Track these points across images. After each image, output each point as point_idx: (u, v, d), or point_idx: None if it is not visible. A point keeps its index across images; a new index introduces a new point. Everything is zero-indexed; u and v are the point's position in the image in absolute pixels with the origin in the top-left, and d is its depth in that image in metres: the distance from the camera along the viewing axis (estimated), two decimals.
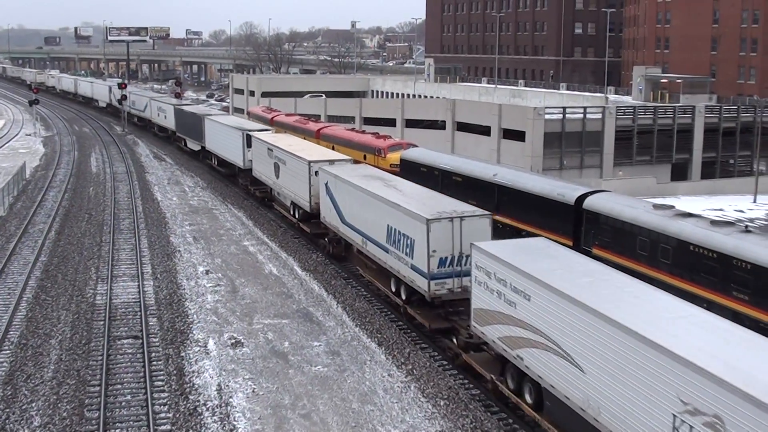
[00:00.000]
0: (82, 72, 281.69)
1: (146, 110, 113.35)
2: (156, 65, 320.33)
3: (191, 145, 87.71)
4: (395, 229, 37.44)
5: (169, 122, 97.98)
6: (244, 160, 66.81)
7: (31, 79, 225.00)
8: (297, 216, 54.24)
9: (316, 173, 49.21)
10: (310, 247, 51.14)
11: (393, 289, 39.23)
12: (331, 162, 49.69)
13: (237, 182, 71.69)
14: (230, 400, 29.35)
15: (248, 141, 65.16)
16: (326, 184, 46.83)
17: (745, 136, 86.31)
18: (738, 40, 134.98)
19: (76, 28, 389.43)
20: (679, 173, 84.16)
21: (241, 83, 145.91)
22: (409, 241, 35.89)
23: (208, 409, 28.59)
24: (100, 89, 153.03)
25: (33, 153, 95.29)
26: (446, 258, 34.09)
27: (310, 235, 52.10)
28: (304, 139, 70.50)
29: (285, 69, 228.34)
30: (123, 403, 29.12)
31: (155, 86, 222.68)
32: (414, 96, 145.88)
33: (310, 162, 50.05)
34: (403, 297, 37.98)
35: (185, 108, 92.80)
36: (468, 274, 31.51)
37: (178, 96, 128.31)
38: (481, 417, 28.38)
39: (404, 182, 43.84)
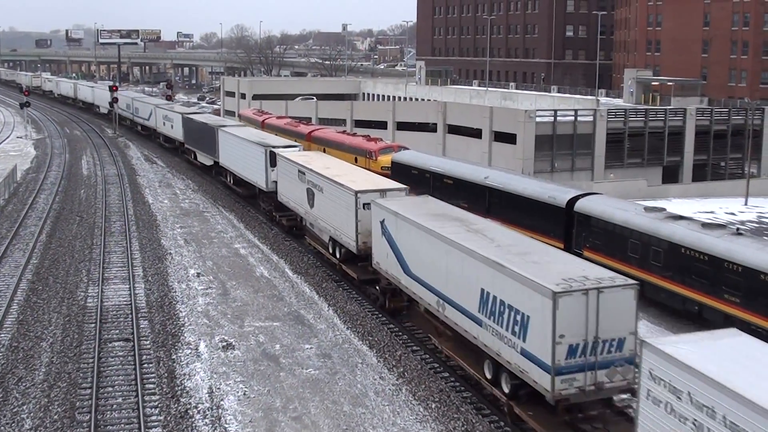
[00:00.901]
0: (74, 75, 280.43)
1: (151, 118, 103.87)
2: (147, 68, 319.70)
3: (202, 159, 78.68)
4: (494, 297, 28.11)
5: (177, 132, 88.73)
6: (266, 182, 57.51)
7: (26, 83, 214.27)
8: (339, 256, 44.62)
9: (366, 206, 40.26)
10: (302, 250, 51.08)
11: (488, 376, 29.54)
12: (383, 192, 41.14)
13: (258, 206, 62.36)
14: (221, 402, 29.31)
15: (272, 159, 56.39)
16: (382, 223, 37.59)
17: (736, 138, 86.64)
18: (729, 43, 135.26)
19: (67, 31, 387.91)
20: (670, 176, 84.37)
21: (232, 86, 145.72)
22: (518, 317, 26.69)
23: (199, 412, 28.55)
24: (101, 94, 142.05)
25: (24, 156, 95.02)
26: (577, 345, 25.18)
27: (357, 281, 42.35)
28: (296, 141, 70.39)
29: (276, 72, 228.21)
30: (114, 406, 29.06)
31: (146, 89, 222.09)
32: (405, 98, 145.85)
33: (357, 192, 40.83)
34: (506, 390, 28.52)
35: (195, 117, 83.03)
36: (604, 366, 25.28)
37: (169, 98, 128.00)
38: (473, 420, 28.39)
39: (493, 225, 34.88)
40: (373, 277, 40.30)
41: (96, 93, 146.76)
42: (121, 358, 33.41)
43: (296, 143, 61.83)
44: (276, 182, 55.75)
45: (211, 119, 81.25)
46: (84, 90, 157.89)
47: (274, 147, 57.51)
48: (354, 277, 42.21)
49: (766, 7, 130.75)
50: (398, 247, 36.04)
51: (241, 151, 63.83)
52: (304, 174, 48.73)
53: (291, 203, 52.35)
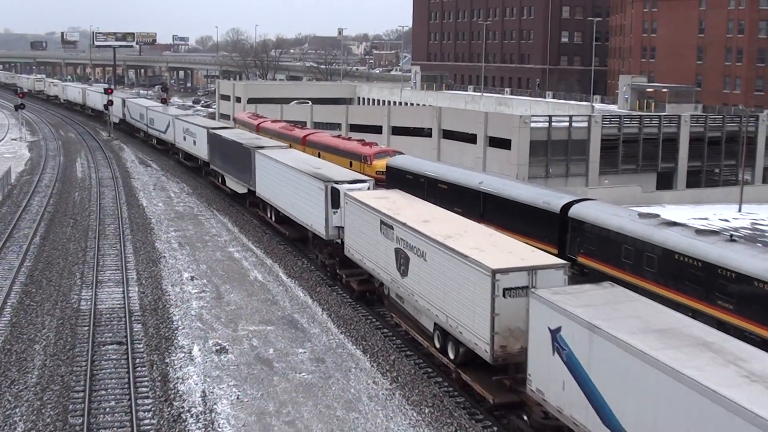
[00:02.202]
0: (69, 77, 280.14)
1: (168, 131, 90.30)
2: (142, 71, 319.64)
3: (233, 185, 66.17)
4: None
5: (200, 150, 76.10)
6: (326, 227, 44.32)
7: (28, 87, 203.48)
8: (453, 355, 31.46)
9: (508, 293, 27.57)
10: (296, 254, 51.06)
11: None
12: (532, 271, 27.78)
13: (311, 252, 50.26)
14: (215, 406, 29.28)
15: (335, 198, 43.68)
16: (556, 334, 24.71)
17: (731, 145, 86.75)
18: (723, 50, 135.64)
19: (62, 33, 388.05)
20: (665, 182, 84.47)
21: (227, 89, 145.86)
22: None
23: (192, 416, 28.52)
24: (113, 102, 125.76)
25: (18, 158, 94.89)
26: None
27: (493, 404, 28.67)
28: (290, 146, 70.35)
29: (271, 75, 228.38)
30: (107, 409, 29.01)
31: (141, 91, 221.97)
32: (400, 103, 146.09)
33: (495, 272, 27.43)
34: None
35: (225, 134, 69.09)
36: None
37: (164, 102, 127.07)
38: (466, 425, 28.39)
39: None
40: (519, 399, 27.59)
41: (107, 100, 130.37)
42: (114, 362, 33.35)
43: (365, 177, 48.43)
44: (340, 228, 43.30)
45: (244, 137, 66.84)
46: (94, 97, 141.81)
47: (337, 182, 44.58)
48: (490, 399, 28.42)
49: (760, 14, 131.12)
50: (596, 387, 23.02)
51: (287, 181, 51.31)
52: (391, 228, 35.71)
53: (366, 262, 39.41)
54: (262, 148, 59.15)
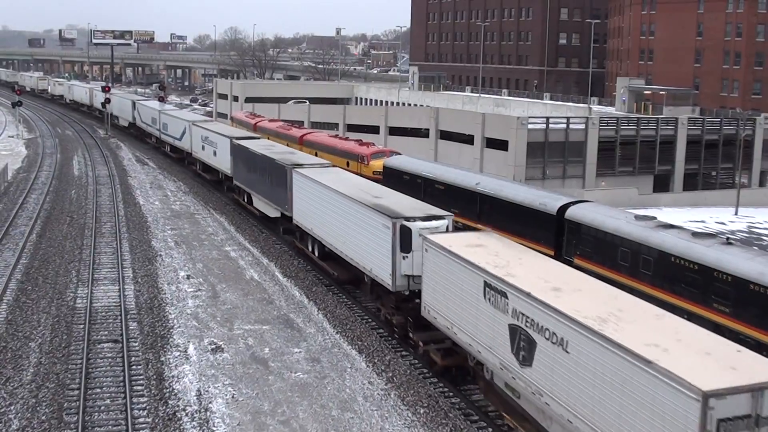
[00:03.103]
0: (66, 74, 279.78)
1: (184, 139, 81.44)
2: (140, 69, 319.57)
3: (262, 206, 57.14)
4: None
5: (222, 162, 67.70)
6: (394, 275, 35.04)
7: (31, 86, 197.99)
8: None
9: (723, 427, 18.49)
10: (292, 253, 51.04)
11: None
12: (759, 391, 18.64)
13: (368, 300, 41.24)
14: (210, 405, 29.26)
15: (404, 238, 34.25)
16: None
17: (728, 148, 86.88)
18: (721, 53, 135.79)
19: (60, 31, 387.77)
20: (662, 185, 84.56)
21: (225, 88, 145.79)
22: None
23: (187, 415, 28.49)
24: (121, 104, 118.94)
25: (15, 155, 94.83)
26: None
27: None
28: (288, 145, 70.37)
29: (269, 74, 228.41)
30: (102, 407, 28.98)
31: (139, 90, 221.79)
32: (398, 104, 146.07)
33: (707, 396, 18.20)
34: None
35: (254, 147, 59.13)
36: None
37: (161, 100, 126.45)
38: (461, 426, 28.39)
39: None
40: None
41: (116, 103, 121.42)
42: (109, 360, 33.32)
43: (442, 211, 36.73)
44: (411, 277, 34.54)
45: (276, 151, 57.00)
46: (101, 98, 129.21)
47: (408, 219, 34.80)
48: None
49: (758, 17, 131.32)
50: None
51: (337, 211, 41.93)
52: (504, 296, 26.14)
53: (458, 333, 29.55)
54: (300, 166, 49.82)
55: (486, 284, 27.11)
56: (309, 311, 40.33)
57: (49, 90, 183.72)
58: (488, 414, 29.14)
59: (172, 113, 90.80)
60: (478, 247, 30.21)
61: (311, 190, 45.89)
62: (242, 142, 62.52)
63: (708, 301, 35.09)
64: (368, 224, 37.74)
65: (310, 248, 47.50)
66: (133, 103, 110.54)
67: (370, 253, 37.57)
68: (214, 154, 69.90)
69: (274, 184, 52.97)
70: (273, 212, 54.72)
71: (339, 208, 41.52)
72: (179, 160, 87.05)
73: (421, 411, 29.33)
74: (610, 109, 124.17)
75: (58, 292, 42.05)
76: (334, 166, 52.97)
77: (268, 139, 74.08)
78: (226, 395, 30.15)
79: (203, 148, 73.98)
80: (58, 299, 40.96)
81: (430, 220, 34.98)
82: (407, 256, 34.19)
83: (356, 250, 39.59)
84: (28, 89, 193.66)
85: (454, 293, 29.39)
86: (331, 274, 44.28)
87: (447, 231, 34.60)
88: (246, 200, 61.70)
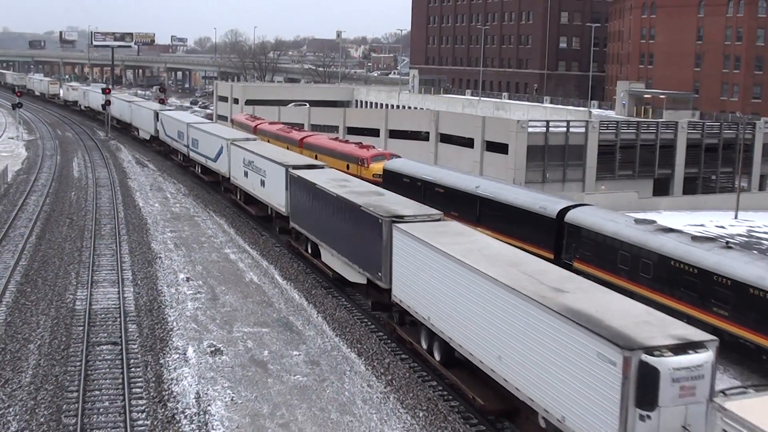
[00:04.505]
0: (67, 76, 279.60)
1: (220, 160, 68.33)
2: (140, 71, 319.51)
3: (338, 264, 43.28)
4: None
5: (273, 196, 54.64)
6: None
7: (41, 90, 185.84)
8: None
9: None
10: (292, 256, 51.01)
11: None
12: None
13: None
14: (209, 408, 29.24)
15: (646, 389, 21.14)
16: None
17: (728, 152, 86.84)
18: (721, 57, 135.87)
19: (61, 32, 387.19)
20: (661, 188, 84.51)
21: (225, 91, 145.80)
22: None
23: (186, 417, 28.47)
24: (141, 114, 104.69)
25: (15, 157, 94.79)
26: None
27: None
28: (288, 148, 70.27)
29: (269, 77, 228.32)
30: (101, 410, 28.95)
31: (139, 92, 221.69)
32: (398, 107, 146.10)
33: None
34: None
35: (324, 184, 45.23)
36: None
37: (162, 102, 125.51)
38: (460, 429, 28.37)
39: None
40: None
41: (135, 112, 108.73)
42: (108, 362, 33.30)
43: (702, 335, 22.60)
44: None
45: (358, 190, 43.38)
46: (119, 105, 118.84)
47: (653, 350, 21.45)
48: None
49: (758, 22, 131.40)
50: None
51: (485, 306, 27.85)
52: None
53: None
54: (402, 219, 36.20)
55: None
56: (308, 314, 40.30)
57: (62, 95, 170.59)
58: (488, 418, 29.11)
59: (206, 128, 75.97)
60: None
61: (427, 260, 32.26)
62: (305, 174, 48.64)
63: (707, 305, 35.12)
64: (560, 344, 23.74)
65: (425, 343, 33.61)
66: (156, 114, 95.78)
67: (568, 395, 23.62)
68: (262, 183, 57.01)
69: (358, 238, 39.59)
70: (355, 276, 40.92)
71: (491, 303, 27.57)
72: (213, 185, 73.71)
73: (421, 414, 29.31)
74: (610, 113, 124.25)
75: (58, 294, 42.02)
76: (444, 218, 38.22)
77: (269, 141, 73.87)
78: (225, 398, 30.13)
79: (246, 174, 61.00)
80: (57, 301, 40.93)
81: (685, 351, 21.58)
82: (650, 418, 21.17)
83: (530, 377, 25.50)
84: (37, 93, 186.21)
85: None
86: (471, 399, 29.62)
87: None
88: (309, 251, 48.17)
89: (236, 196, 65.09)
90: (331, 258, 44.18)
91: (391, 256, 35.56)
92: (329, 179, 46.67)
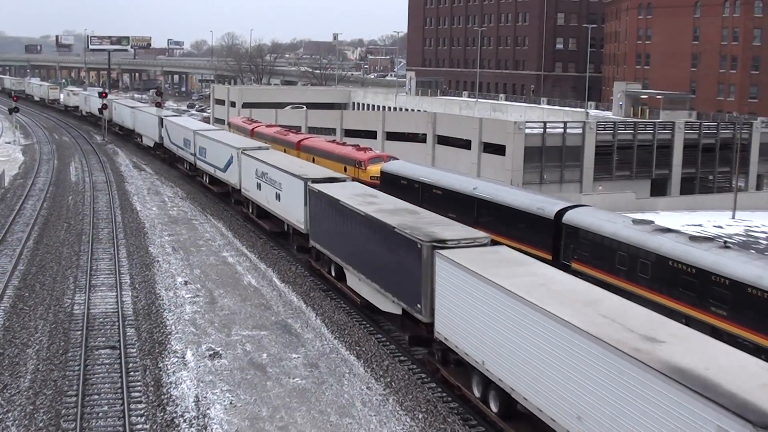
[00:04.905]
0: (63, 80, 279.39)
1: (230, 171, 63.93)
2: (137, 75, 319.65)
3: (363, 289, 39.54)
4: None
5: (290, 211, 50.39)
6: None
7: (41, 95, 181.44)
8: None
9: None
10: (290, 259, 50.97)
11: None
12: None
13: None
14: (208, 411, 29.21)
15: None
16: None
17: (725, 152, 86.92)
18: (718, 57, 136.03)
19: (57, 36, 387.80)
20: (659, 189, 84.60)
21: (222, 94, 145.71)
22: None
23: (185, 421, 28.45)
24: (145, 119, 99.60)
25: (12, 161, 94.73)
26: None
27: None
28: (285, 151, 70.21)
29: (266, 80, 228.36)
30: (100, 414, 28.93)
31: (135, 95, 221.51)
32: (395, 109, 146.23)
33: None
34: None
35: (347, 200, 40.92)
36: None
37: (158, 106, 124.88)
38: (459, 431, 28.36)
39: None
40: None
41: (138, 117, 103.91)
42: (107, 366, 33.27)
43: None
44: None
45: (387, 208, 38.96)
46: (122, 111, 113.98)
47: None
48: None
49: (755, 22, 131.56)
50: None
51: (549, 342, 24.27)
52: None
53: None
54: (444, 244, 31.75)
55: None
56: (307, 316, 40.28)
57: (62, 100, 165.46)
58: (486, 418, 29.09)
59: (214, 136, 71.35)
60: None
61: (480, 294, 27.85)
62: (326, 189, 44.30)
63: (706, 304, 35.11)
64: (662, 409, 19.82)
65: (478, 392, 29.25)
66: (161, 120, 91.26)
67: None
68: (278, 197, 53.04)
69: (392, 263, 35.16)
70: (388, 305, 36.68)
71: (567, 352, 23.29)
72: (222, 196, 69.94)
73: (420, 416, 29.30)
74: (607, 114, 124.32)
75: (56, 299, 41.99)
76: (495, 243, 34.95)
77: (265, 143, 73.72)
78: (224, 401, 30.11)
79: (259, 186, 56.90)
80: (55, 306, 40.89)
81: None
82: None
83: None
84: (36, 99, 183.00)
85: None
86: None
87: None
88: (333, 274, 43.98)
89: (248, 210, 61.09)
90: (358, 283, 40.01)
91: (433, 285, 31.29)
92: (354, 194, 42.46)
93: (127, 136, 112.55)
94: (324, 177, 48.42)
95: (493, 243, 33.78)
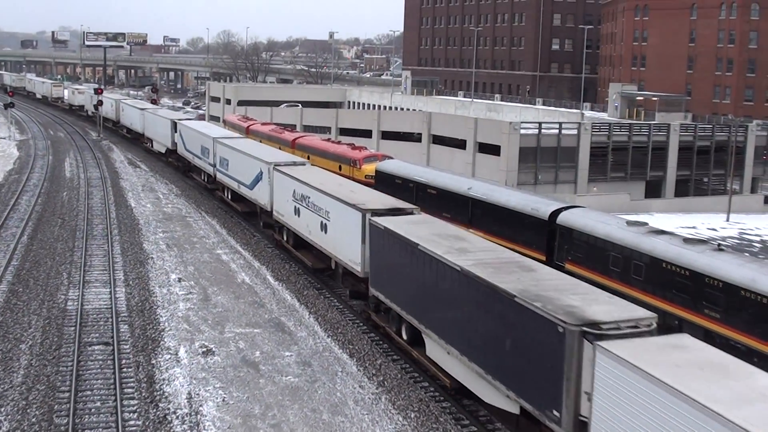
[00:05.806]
0: (59, 76, 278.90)
1: (258, 189, 55.15)
2: (133, 71, 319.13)
3: (455, 367, 29.58)
4: None
5: (342, 247, 40.55)
6: None
7: (43, 92, 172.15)
8: None
9: None
10: (284, 257, 50.95)
11: None
12: None
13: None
14: (200, 408, 29.21)
15: None
16: None
17: (719, 154, 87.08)
18: (714, 60, 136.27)
19: (53, 32, 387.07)
20: (653, 190, 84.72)
21: (217, 91, 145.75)
22: None
23: (177, 418, 28.44)
24: (156, 123, 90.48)
25: (7, 157, 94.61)
26: None
27: None
28: (280, 148, 70.19)
29: (262, 78, 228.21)
30: (92, 410, 28.91)
31: (131, 92, 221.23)
32: (390, 108, 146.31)
33: None
34: None
35: (427, 246, 30.62)
36: None
37: (154, 102, 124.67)
38: (452, 430, 28.38)
39: None
40: None
41: (149, 120, 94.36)
42: (100, 362, 33.24)
43: None
44: None
45: (495, 265, 28.03)
46: (131, 113, 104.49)
47: None
48: None
49: (751, 24, 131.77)
50: None
51: None
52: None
53: None
54: (600, 329, 22.14)
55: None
56: (300, 315, 40.28)
57: (66, 98, 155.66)
58: (479, 418, 29.13)
59: (238, 145, 61.34)
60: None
61: (684, 422, 18.33)
62: (395, 226, 34.18)
63: (699, 307, 35.15)
64: None
65: None
66: (174, 124, 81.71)
67: None
68: (323, 228, 42.85)
69: (505, 341, 25.61)
70: (497, 399, 26.93)
71: None
72: (248, 216, 60.02)
73: (412, 415, 29.31)
74: (603, 115, 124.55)
75: (49, 295, 41.93)
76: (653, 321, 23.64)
77: (260, 142, 73.67)
78: (217, 398, 30.10)
79: (297, 211, 46.84)
80: (49, 301, 40.85)
81: None
82: None
83: None
84: (38, 96, 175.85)
85: None
86: None
87: None
88: (406, 337, 34.31)
89: (281, 236, 51.32)
90: (445, 357, 30.26)
91: (579, 385, 22.21)
92: (434, 234, 32.53)
93: (135, 140, 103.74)
94: (388, 208, 38.40)
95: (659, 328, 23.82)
